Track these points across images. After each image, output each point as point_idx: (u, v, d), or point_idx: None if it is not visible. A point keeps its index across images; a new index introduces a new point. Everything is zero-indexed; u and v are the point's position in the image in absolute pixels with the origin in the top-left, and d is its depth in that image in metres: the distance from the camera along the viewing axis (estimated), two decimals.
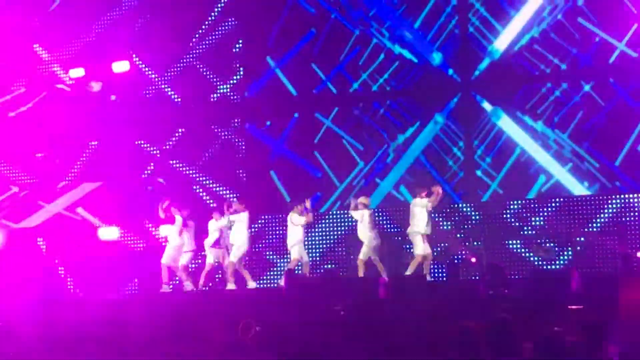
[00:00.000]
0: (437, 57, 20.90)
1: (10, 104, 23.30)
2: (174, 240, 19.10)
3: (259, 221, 21.41)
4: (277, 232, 21.34)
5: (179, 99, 22.76)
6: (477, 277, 18.55)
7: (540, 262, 19.63)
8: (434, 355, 9.46)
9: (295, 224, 18.06)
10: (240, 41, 22.35)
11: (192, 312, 14.11)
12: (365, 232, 17.95)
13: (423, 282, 16.02)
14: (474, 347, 8.60)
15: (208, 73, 22.58)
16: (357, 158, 21.51)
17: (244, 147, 22.38)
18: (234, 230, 18.24)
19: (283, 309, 13.53)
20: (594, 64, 19.87)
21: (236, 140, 22.40)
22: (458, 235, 20.16)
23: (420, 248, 17.40)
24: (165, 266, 19.07)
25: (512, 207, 20.21)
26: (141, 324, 13.09)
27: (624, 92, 19.63)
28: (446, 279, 18.76)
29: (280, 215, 20.68)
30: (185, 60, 22.72)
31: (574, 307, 12.34)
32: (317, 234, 21.12)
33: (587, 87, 19.90)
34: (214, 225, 18.96)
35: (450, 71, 20.82)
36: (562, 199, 19.92)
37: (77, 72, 22.05)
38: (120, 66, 21.88)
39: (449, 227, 20.32)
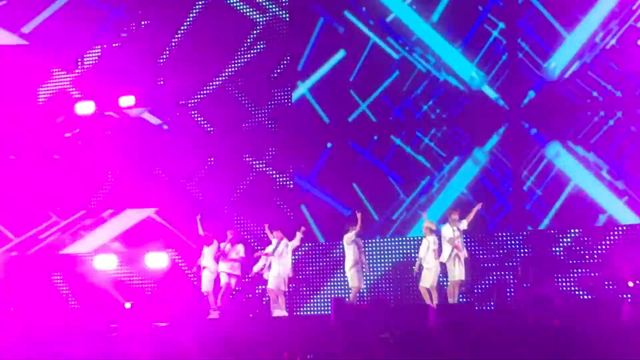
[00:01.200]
0: (484, 84, 19.91)
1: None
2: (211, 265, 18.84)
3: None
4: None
5: (211, 128, 21.86)
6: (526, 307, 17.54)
7: (587, 295, 18.71)
8: None
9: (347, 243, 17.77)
10: (281, 66, 21.44)
11: (238, 339, 13.90)
12: (431, 259, 17.34)
13: (472, 311, 15.89)
14: None
15: (243, 98, 21.72)
16: (398, 190, 20.47)
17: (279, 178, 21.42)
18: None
19: (330, 338, 13.35)
20: None
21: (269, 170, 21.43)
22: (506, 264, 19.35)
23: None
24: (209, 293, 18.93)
25: (564, 240, 19.17)
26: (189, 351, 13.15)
27: None
28: (494, 307, 18.34)
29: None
30: (216, 86, 21.92)
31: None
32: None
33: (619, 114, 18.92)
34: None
35: (496, 97, 19.83)
36: (618, 231, 18.84)
37: (128, 101, 21.50)
38: (126, 101, 21.46)
39: (496, 257, 19.50)
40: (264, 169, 21.56)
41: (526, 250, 19.40)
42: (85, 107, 21.73)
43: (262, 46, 21.71)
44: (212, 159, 21.89)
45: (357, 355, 11.60)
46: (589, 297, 18.61)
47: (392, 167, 20.61)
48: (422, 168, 20.37)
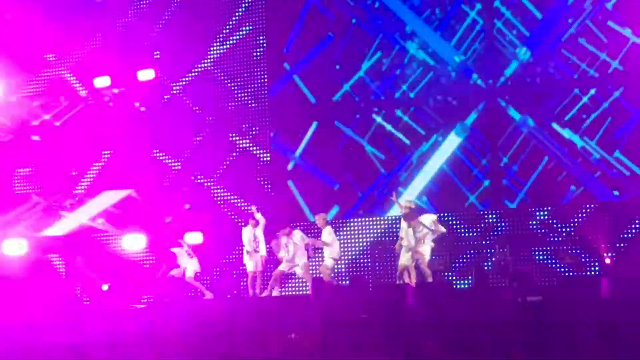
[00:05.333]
0: (461, 64, 20.40)
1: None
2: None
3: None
4: None
5: (197, 108, 22.32)
6: (504, 285, 18.24)
7: (566, 270, 19.18)
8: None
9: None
10: (261, 47, 21.89)
11: (215, 320, 13.98)
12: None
13: (450, 289, 15.68)
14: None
15: (227, 81, 22.17)
16: (379, 167, 20.97)
17: (264, 156, 21.93)
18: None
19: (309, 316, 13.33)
20: (624, 69, 19.38)
21: (255, 148, 21.94)
22: (483, 242, 19.78)
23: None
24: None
25: (539, 215, 19.70)
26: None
27: None
28: (473, 285, 18.27)
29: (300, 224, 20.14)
30: (202, 68, 22.32)
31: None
32: (340, 243, 20.54)
33: (616, 93, 19.40)
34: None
35: (475, 76, 20.34)
36: (591, 206, 19.41)
37: (103, 81, 21.69)
38: (145, 74, 21.55)
39: (475, 235, 19.94)
40: (251, 148, 21.90)
41: (504, 226, 19.85)
42: (102, 81, 21.84)
43: (249, 28, 22.02)
44: (199, 138, 22.25)
45: (337, 334, 11.69)
46: (568, 272, 19.11)
47: (374, 144, 21.08)
48: (402, 145, 20.82)
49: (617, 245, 18.95)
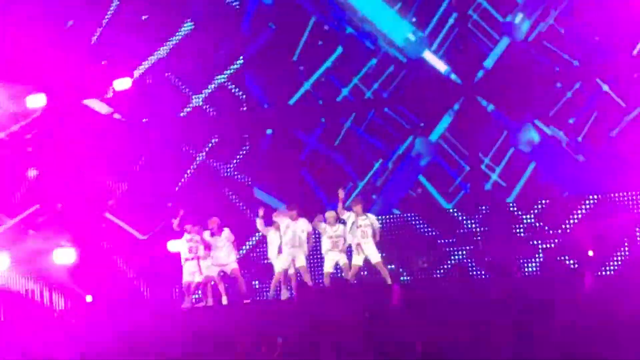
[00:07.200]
0: (435, 60, 19.07)
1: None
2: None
3: None
4: None
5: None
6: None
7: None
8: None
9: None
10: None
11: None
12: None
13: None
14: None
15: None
16: (351, 174, 19.74)
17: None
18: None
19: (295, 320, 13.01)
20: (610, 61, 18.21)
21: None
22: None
23: None
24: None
25: (525, 216, 18.71)
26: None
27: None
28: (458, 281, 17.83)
29: None
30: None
31: None
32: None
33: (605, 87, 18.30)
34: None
35: (446, 69, 19.07)
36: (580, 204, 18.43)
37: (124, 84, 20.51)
38: (122, 83, 20.50)
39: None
40: (203, 159, 20.78)
41: (486, 227, 18.89)
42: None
43: (191, 27, 20.83)
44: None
45: (322, 337, 11.42)
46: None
47: (343, 151, 19.75)
48: (375, 150, 19.58)
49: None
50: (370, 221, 16.17)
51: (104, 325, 15.10)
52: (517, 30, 18.69)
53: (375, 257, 15.99)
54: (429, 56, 19.17)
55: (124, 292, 20.09)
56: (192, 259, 17.03)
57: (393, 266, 18.33)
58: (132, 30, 20.88)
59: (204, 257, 16.95)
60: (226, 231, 16.93)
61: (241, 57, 20.51)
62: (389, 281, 15.91)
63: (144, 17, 21.04)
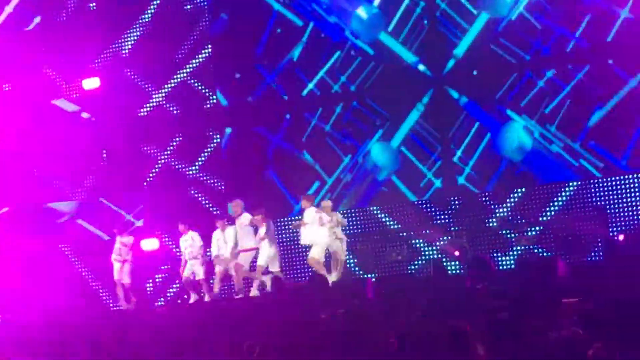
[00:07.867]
0: (403, 51, 18.49)
1: None
2: None
3: None
4: None
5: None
6: (463, 272, 17.54)
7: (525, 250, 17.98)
8: (425, 355, 9.25)
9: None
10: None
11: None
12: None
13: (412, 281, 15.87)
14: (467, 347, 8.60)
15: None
16: (320, 171, 19.09)
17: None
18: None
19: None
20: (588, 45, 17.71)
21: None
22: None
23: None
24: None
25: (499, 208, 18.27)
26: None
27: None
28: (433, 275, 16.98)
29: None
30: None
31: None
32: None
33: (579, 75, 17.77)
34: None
35: (414, 59, 18.53)
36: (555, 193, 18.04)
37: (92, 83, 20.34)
38: (91, 83, 20.34)
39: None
40: (165, 159, 20.26)
41: (460, 220, 18.47)
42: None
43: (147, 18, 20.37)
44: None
45: (298, 335, 11.22)
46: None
47: (309, 147, 19.14)
48: (343, 145, 19.01)
49: None
50: (337, 219, 16.45)
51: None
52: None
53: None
54: (386, 39, 18.63)
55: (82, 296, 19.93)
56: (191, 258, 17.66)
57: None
58: (90, 26, 20.41)
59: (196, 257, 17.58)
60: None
61: (203, 52, 19.94)
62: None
63: (91, 5, 20.58)
